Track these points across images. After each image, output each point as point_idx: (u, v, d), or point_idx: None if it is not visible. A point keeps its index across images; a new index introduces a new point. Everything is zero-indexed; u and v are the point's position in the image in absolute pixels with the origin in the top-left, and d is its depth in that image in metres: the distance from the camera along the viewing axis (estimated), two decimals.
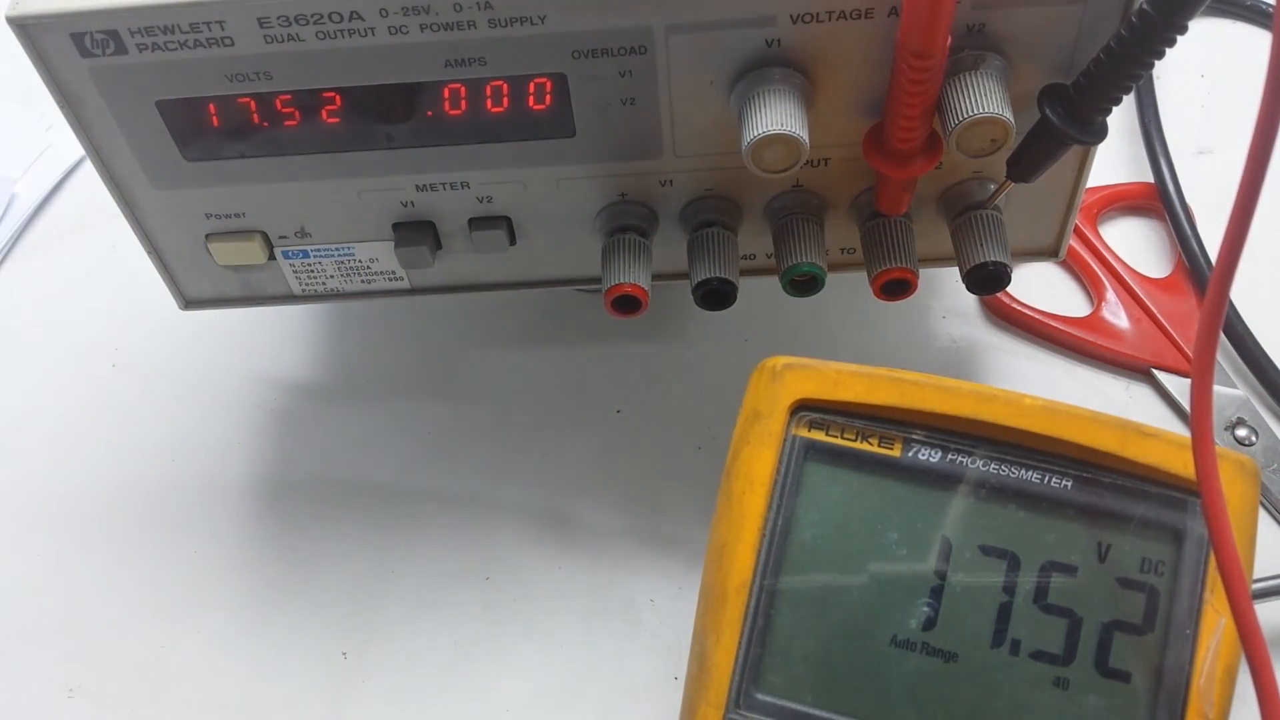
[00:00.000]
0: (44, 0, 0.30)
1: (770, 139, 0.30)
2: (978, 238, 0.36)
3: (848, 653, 0.31)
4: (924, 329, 0.47)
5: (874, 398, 0.32)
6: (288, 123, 0.33)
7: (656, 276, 0.38)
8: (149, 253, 0.38)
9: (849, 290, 0.45)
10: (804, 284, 0.36)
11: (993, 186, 0.36)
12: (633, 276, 0.35)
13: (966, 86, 0.31)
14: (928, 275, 0.47)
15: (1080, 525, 0.31)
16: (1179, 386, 0.44)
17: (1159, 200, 0.49)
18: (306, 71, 0.32)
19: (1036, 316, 0.46)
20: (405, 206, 0.36)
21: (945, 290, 0.48)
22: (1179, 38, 0.28)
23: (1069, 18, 0.31)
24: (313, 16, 0.31)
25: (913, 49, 0.29)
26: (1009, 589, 0.31)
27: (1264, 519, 0.41)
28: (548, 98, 0.33)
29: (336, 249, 0.38)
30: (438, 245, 0.38)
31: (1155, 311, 0.46)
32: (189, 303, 0.40)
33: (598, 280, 0.36)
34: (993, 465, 0.32)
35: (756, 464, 0.32)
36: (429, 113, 0.33)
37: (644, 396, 0.46)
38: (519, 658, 0.40)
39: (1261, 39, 0.54)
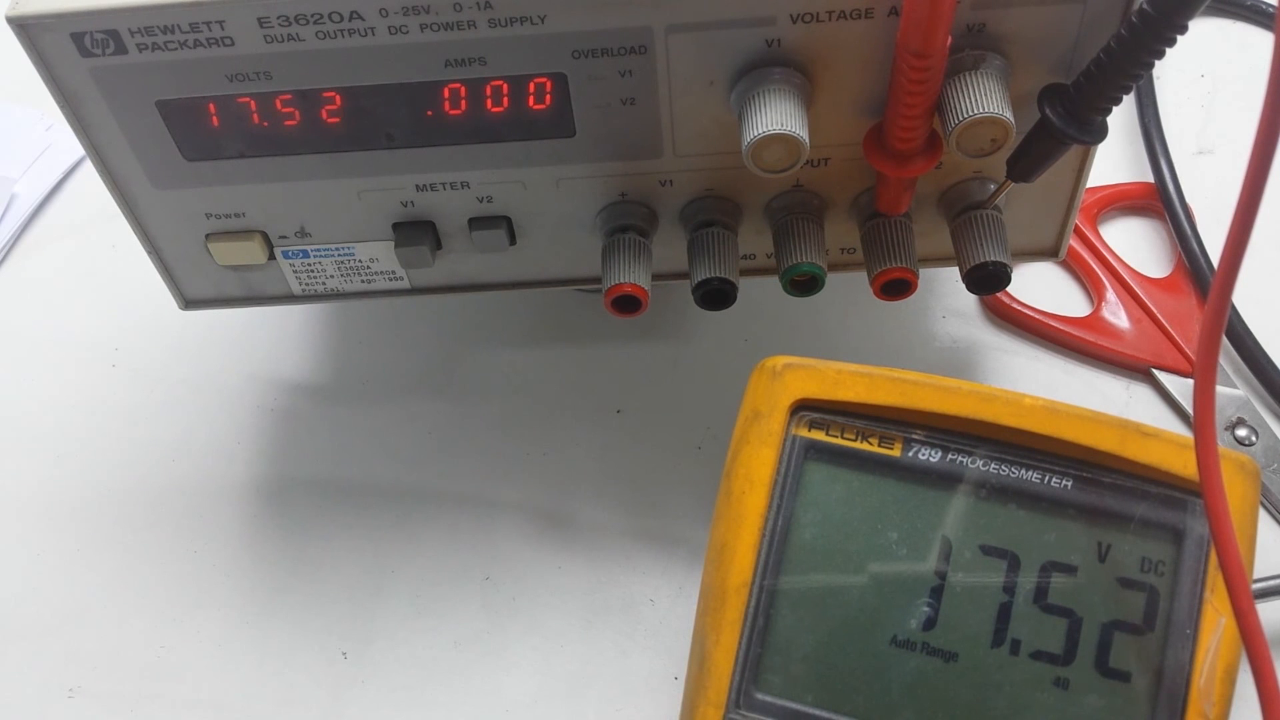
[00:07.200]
0: (44, 0, 0.30)
1: (770, 139, 0.30)
2: (978, 238, 0.36)
3: (848, 653, 0.31)
4: (924, 329, 0.47)
5: (874, 398, 0.32)
6: (288, 123, 0.33)
7: (656, 276, 0.38)
8: (149, 253, 0.38)
9: (849, 290, 0.45)
10: (804, 284, 0.36)
11: (993, 186, 0.36)
12: (633, 276, 0.35)
13: (966, 86, 0.31)
14: (928, 275, 0.47)
15: (1080, 525, 0.31)
16: (1179, 386, 0.44)
17: (1159, 200, 0.49)
18: (306, 71, 0.32)
19: (1036, 316, 0.46)
20: (405, 206, 0.36)
21: (945, 290, 0.48)
22: (1179, 38, 0.28)
23: (1069, 17, 0.31)
24: (313, 16, 0.31)
25: (913, 49, 0.29)
26: (1009, 589, 0.31)
27: (1264, 519, 0.41)
28: (548, 98, 0.33)
29: (336, 249, 0.38)
30: (438, 245, 0.38)
31: (1155, 311, 0.46)
32: (189, 303, 0.40)
33: (598, 280, 0.36)
34: (993, 465, 0.32)
35: (756, 464, 0.32)
36: (429, 113, 0.33)
37: (644, 396, 0.46)
38: (519, 657, 0.40)
39: (1261, 39, 0.54)
